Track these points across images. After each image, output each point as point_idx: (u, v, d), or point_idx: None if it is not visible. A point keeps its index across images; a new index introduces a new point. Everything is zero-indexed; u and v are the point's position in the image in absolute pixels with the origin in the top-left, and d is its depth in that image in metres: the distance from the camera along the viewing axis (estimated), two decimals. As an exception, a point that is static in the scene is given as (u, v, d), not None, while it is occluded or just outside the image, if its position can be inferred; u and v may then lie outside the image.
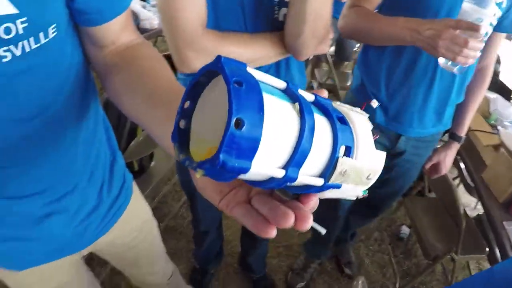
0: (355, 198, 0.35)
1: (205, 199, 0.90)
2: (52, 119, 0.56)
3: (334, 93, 2.49)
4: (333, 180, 0.28)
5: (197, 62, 0.75)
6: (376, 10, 1.08)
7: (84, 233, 0.76)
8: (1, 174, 0.56)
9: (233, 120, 0.21)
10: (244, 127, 0.22)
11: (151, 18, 2.46)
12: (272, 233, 0.28)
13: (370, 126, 0.32)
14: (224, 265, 1.80)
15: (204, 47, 0.74)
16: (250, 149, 0.23)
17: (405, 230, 2.08)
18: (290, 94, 0.27)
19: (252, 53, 0.81)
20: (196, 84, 0.28)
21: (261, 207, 0.29)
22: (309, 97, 0.29)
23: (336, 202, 1.46)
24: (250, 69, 0.25)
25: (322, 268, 1.86)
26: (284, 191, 0.30)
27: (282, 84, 0.27)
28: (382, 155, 0.32)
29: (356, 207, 1.57)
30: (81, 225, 0.74)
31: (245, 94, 0.22)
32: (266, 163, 0.24)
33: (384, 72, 1.12)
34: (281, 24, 0.82)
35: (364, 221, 1.76)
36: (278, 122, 0.24)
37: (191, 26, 0.72)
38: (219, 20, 0.78)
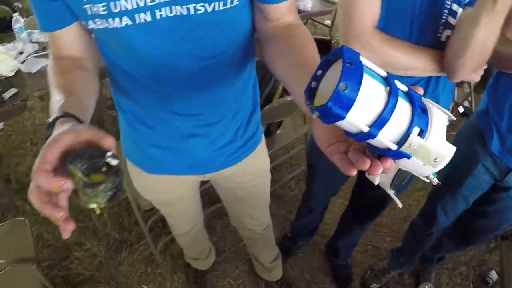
0: (426, 179, 0.45)
1: (323, 181, 1.03)
2: (221, 63, 0.73)
3: (467, 116, 2.39)
4: (403, 149, 0.39)
5: (377, 46, 0.85)
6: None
7: (215, 160, 0.92)
8: (171, 94, 0.76)
9: (340, 84, 0.34)
10: (346, 90, 0.34)
11: (305, 1, 2.56)
12: (353, 172, 0.41)
13: (446, 122, 0.42)
14: (312, 243, 1.92)
15: (370, 44, 0.83)
16: (347, 104, 0.35)
17: (493, 275, 2.00)
18: (387, 81, 0.39)
19: (412, 62, 0.87)
20: (328, 60, 0.41)
21: (352, 157, 0.42)
22: (402, 87, 0.40)
23: (432, 217, 1.47)
24: (362, 58, 0.37)
25: (400, 278, 1.89)
26: (371, 151, 0.42)
27: (383, 73, 0.39)
28: (452, 148, 0.41)
29: (451, 230, 1.56)
30: (215, 152, 0.90)
31: (352, 71, 0.35)
32: (357, 118, 0.36)
33: (510, 102, 1.09)
34: (442, 45, 0.86)
35: (455, 247, 1.73)
36: (370, 94, 0.36)
37: (363, 24, 0.82)
38: (388, 25, 0.85)
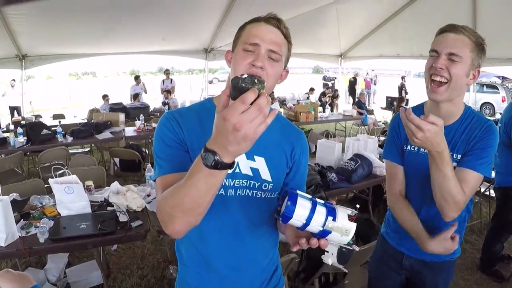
0: (350, 247, 0.79)
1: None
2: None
3: None
4: (325, 228, 0.75)
5: (395, 207, 1.40)
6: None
7: None
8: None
9: (287, 202, 0.75)
10: (290, 205, 0.74)
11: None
12: (296, 247, 0.82)
13: (347, 213, 0.77)
14: None
15: (395, 206, 1.40)
16: (291, 211, 0.75)
17: None
18: (311, 199, 0.77)
19: (400, 221, 1.36)
20: (283, 196, 0.82)
21: (301, 241, 0.80)
22: (320, 201, 0.77)
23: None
24: (298, 192, 0.78)
25: None
26: (313, 235, 0.78)
27: (309, 196, 0.77)
28: (353, 225, 0.76)
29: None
30: None
31: (292, 197, 0.76)
32: (298, 217, 0.75)
33: None
34: None
35: None
36: (302, 206, 0.75)
37: (395, 192, 1.41)
38: (408, 194, 1.41)
